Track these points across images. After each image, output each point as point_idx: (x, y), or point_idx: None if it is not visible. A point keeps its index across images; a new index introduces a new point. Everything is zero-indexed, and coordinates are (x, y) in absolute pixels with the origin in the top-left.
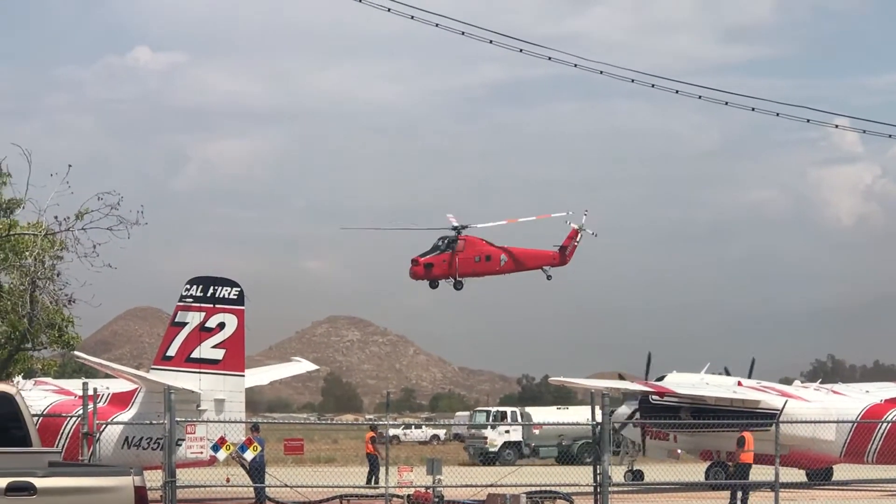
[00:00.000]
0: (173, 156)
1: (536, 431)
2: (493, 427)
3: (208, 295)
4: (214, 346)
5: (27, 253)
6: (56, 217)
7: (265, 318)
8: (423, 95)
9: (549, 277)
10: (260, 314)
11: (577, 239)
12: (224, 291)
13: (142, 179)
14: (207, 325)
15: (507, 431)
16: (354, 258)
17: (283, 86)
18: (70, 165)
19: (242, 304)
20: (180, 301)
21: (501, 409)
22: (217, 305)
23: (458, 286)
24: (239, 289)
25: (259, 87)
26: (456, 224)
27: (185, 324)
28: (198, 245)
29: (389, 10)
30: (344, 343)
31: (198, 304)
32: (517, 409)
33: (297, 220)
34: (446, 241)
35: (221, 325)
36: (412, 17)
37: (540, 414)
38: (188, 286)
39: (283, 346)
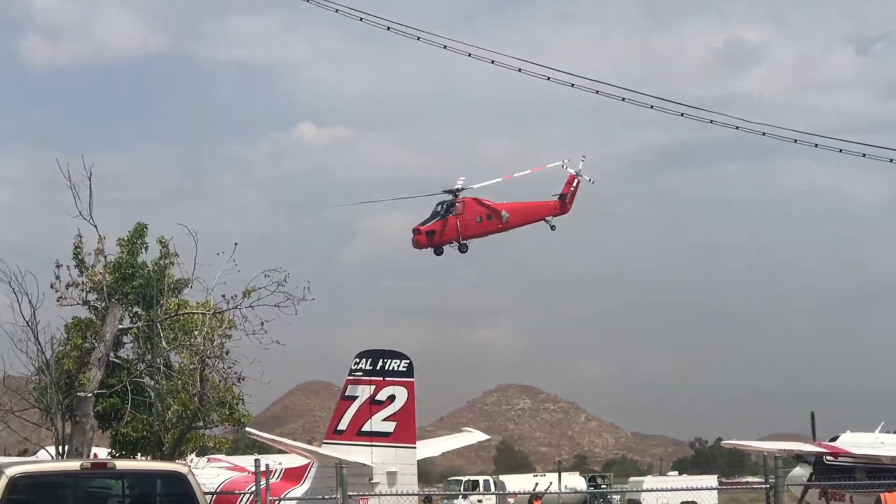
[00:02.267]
0: (339, 229)
1: (511, 501)
2: (465, 497)
3: (378, 368)
4: (385, 419)
5: (196, 332)
6: (224, 296)
7: (436, 388)
8: (586, 161)
9: (552, 227)
10: (430, 385)
11: (575, 185)
12: (393, 364)
13: (308, 254)
14: (378, 398)
15: (480, 501)
16: (523, 326)
17: (446, 156)
18: (236, 244)
19: (412, 376)
20: (350, 375)
21: (474, 478)
22: (387, 378)
23: (462, 249)
24: (408, 361)
25: (422, 159)
26: (456, 187)
27: (355, 397)
28: (365, 318)
29: (549, 78)
30: (515, 411)
31: (368, 378)
32: (490, 479)
33: (464, 290)
34: (445, 206)
35: (392, 398)
36: (572, 85)
37: (515, 482)
38: (357, 360)
39: (454, 417)
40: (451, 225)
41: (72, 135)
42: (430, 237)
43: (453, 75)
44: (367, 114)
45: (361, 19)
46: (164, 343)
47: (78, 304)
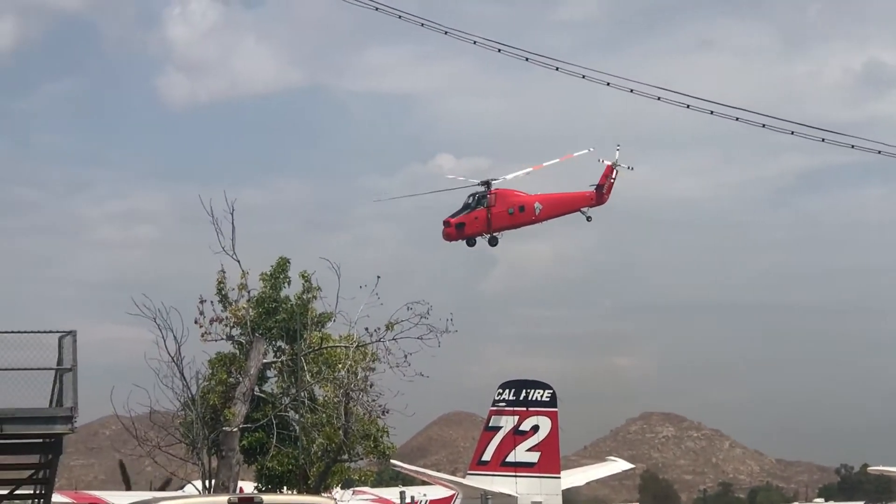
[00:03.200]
0: (477, 259)
1: None
2: None
3: (521, 398)
4: (529, 449)
5: (340, 365)
6: (367, 329)
7: (578, 417)
8: (725, 188)
9: (588, 219)
10: (572, 414)
11: (613, 176)
12: (536, 394)
13: (447, 284)
14: (521, 428)
15: None
16: (663, 353)
17: (582, 186)
18: (378, 277)
19: (555, 406)
20: (493, 405)
21: None
22: (530, 408)
23: (492, 242)
24: (551, 391)
25: (558, 187)
26: (489, 178)
27: (499, 428)
28: (506, 347)
29: (689, 106)
30: (658, 439)
31: (511, 408)
32: None
33: (604, 317)
34: (476, 198)
35: (535, 428)
36: (711, 113)
37: None
38: (501, 390)
39: (597, 446)
40: (482, 217)
41: (212, 170)
42: (460, 229)
43: (589, 104)
44: (505, 143)
45: (500, 50)
46: (308, 377)
47: (222, 339)
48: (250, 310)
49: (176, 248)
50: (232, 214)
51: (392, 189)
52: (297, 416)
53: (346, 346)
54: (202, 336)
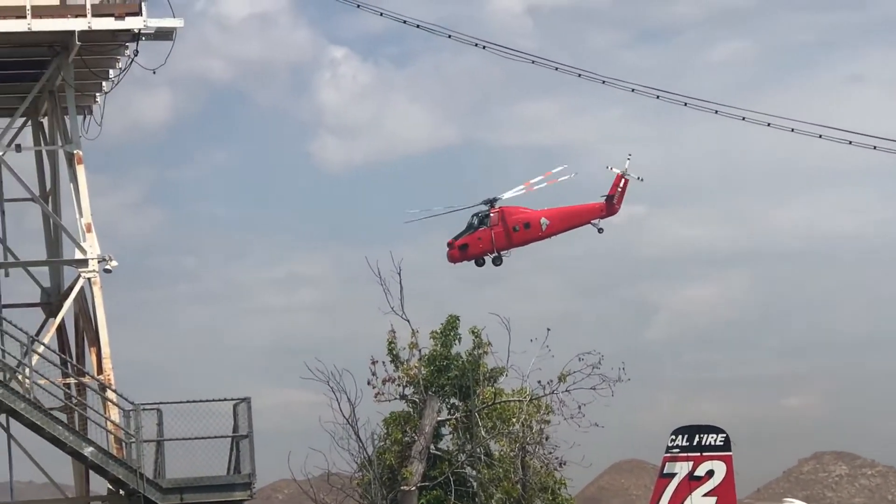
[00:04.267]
0: (638, 306)
1: None
2: None
3: (694, 444)
4: (705, 495)
5: (514, 420)
6: (539, 381)
7: (750, 460)
8: (884, 225)
9: (600, 231)
10: (745, 457)
11: (622, 185)
12: (710, 439)
13: (613, 333)
14: (696, 473)
15: None
16: (831, 390)
17: (742, 227)
18: (549, 329)
19: (729, 450)
20: (667, 452)
21: None
22: (704, 453)
23: (496, 262)
24: (724, 435)
25: (719, 231)
26: (491, 197)
27: (673, 475)
28: (676, 393)
29: (851, 142)
30: (832, 478)
31: (685, 454)
32: None
33: (771, 358)
34: (479, 218)
35: (710, 473)
36: (874, 148)
37: None
38: (674, 436)
39: (771, 488)
40: (486, 237)
41: (373, 230)
42: (464, 251)
43: (743, 144)
44: (663, 189)
45: (658, 97)
46: (483, 432)
47: (395, 398)
48: (422, 368)
49: (340, 309)
50: (399, 274)
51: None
52: (474, 472)
53: (519, 400)
54: (376, 396)
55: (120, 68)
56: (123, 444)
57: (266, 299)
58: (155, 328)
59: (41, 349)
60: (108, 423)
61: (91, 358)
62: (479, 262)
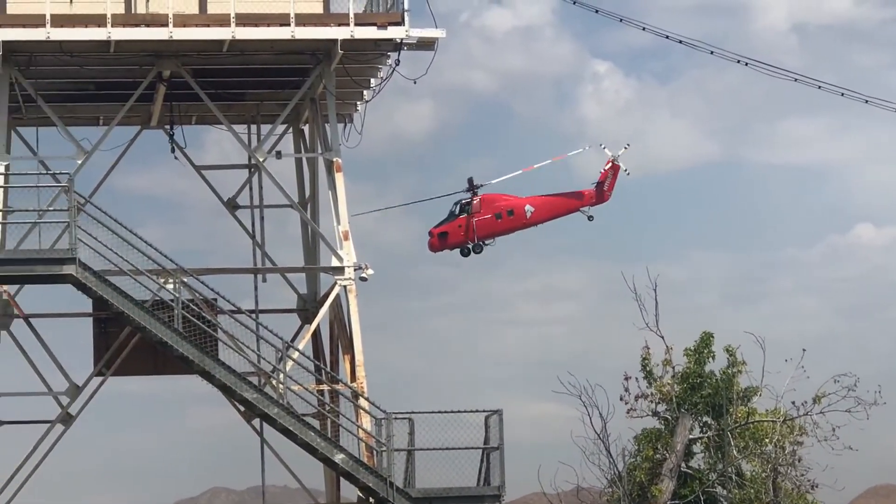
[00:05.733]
0: None
1: None
2: None
3: None
4: None
5: (767, 440)
6: (793, 402)
7: None
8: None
9: (590, 218)
10: None
11: (611, 170)
12: None
13: (872, 356)
14: None
15: None
16: None
17: None
18: (804, 350)
19: None
20: None
21: None
22: None
23: (476, 250)
24: None
25: None
26: (476, 183)
27: None
28: None
29: None
30: None
31: None
32: None
33: None
34: (460, 205)
35: None
36: None
37: None
38: None
39: None
40: (466, 225)
41: (632, 246)
42: (443, 239)
43: None
44: None
45: None
46: (735, 452)
47: (647, 415)
48: (675, 385)
49: (597, 324)
50: (655, 290)
51: (808, 260)
52: (724, 492)
53: (773, 420)
54: (628, 413)
55: (381, 77)
56: (374, 452)
57: (522, 311)
58: (409, 337)
59: (296, 355)
60: (360, 430)
61: (345, 365)
62: (464, 252)
